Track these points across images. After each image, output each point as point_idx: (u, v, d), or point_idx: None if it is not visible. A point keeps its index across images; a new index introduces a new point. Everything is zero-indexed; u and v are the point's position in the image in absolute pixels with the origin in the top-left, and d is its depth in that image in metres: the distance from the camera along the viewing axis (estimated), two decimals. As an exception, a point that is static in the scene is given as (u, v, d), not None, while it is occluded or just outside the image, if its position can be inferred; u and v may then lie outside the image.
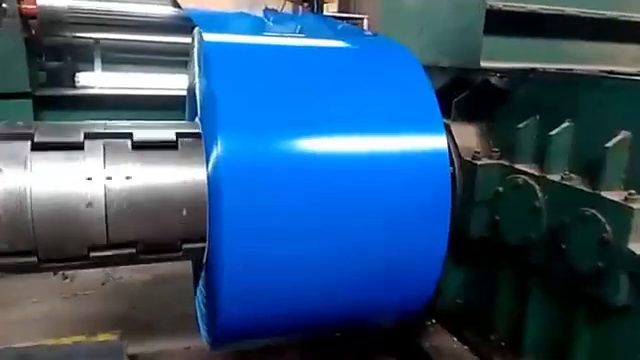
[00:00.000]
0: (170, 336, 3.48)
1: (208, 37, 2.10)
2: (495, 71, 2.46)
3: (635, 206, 1.82)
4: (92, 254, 1.83)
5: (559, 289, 2.21)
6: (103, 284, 4.29)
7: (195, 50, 2.39)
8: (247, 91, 1.94)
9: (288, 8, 6.40)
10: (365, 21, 8.57)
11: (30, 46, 4.41)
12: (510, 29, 2.39)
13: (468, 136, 2.62)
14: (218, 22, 2.87)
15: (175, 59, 4.86)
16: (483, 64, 2.33)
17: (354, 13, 9.50)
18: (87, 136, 1.89)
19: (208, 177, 1.99)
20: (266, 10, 4.61)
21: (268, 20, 3.64)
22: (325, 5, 6.58)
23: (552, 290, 2.26)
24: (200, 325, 2.49)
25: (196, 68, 2.37)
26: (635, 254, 1.80)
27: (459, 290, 2.88)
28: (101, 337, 2.78)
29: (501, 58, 2.38)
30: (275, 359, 2.95)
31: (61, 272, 4.16)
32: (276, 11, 4.54)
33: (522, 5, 2.35)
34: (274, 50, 2.24)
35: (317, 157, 1.93)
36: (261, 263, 1.87)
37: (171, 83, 4.70)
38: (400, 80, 2.19)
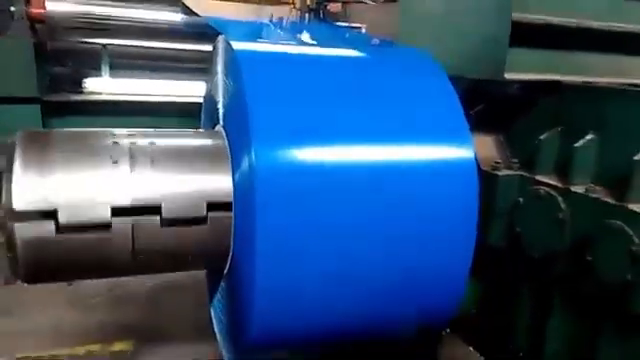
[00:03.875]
0: (185, 345, 3.45)
1: (237, 46, 2.10)
2: (517, 83, 2.47)
3: (664, 218, 1.82)
4: (115, 219, 1.80)
5: (584, 302, 2.21)
6: (110, 290, 4.25)
7: (219, 58, 2.38)
8: (280, 100, 1.94)
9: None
10: (363, 30, 8.58)
11: (38, 51, 4.40)
12: (529, 41, 2.40)
13: (486, 146, 2.63)
14: (237, 30, 2.87)
15: (184, 66, 4.86)
16: (506, 76, 2.34)
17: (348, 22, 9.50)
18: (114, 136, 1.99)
19: (236, 187, 1.99)
20: (273, 19, 4.62)
21: (280, 28, 3.64)
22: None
23: (576, 303, 2.25)
24: (219, 336, 2.46)
25: (219, 76, 2.36)
26: (665, 266, 1.80)
27: (473, 300, 2.87)
28: (117, 346, 2.73)
29: (522, 70, 2.39)
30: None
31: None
32: (282, 21, 4.55)
33: (542, 17, 2.36)
34: (301, 59, 2.25)
35: (350, 167, 1.93)
36: (294, 276, 1.87)
37: (181, 90, 4.70)
38: (427, 88, 2.21)
